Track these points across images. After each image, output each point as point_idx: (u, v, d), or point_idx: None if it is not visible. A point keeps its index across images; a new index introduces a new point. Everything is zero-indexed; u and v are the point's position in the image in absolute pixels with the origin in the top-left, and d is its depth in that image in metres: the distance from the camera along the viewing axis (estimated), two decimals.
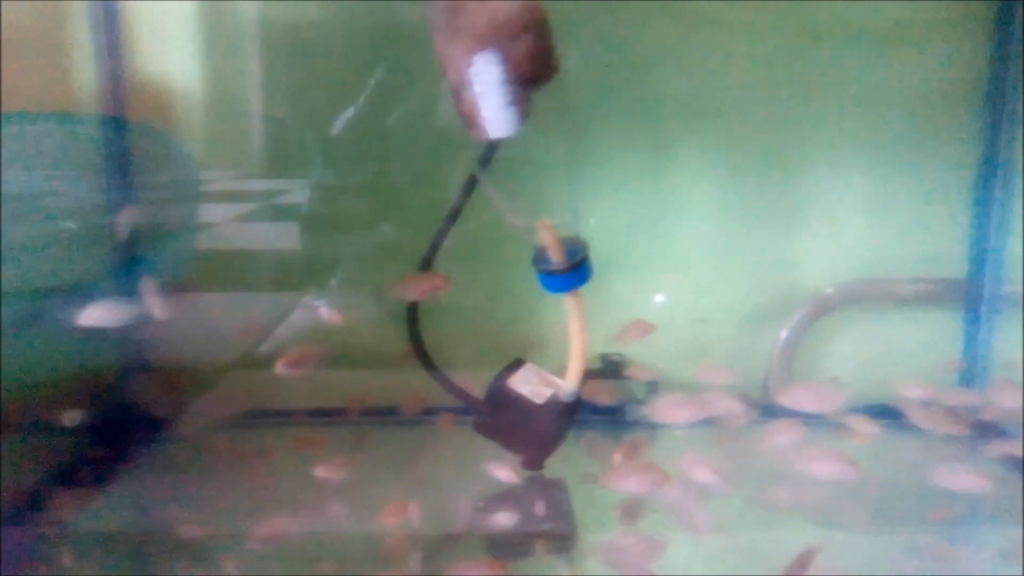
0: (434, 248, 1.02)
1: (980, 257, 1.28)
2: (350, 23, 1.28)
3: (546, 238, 0.94)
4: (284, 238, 1.36)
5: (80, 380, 1.19)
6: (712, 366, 1.17)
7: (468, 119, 0.87)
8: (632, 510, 1.02)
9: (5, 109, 1.26)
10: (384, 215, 1.30)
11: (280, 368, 1.06)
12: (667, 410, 1.07)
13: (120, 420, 1.23)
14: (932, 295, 1.30)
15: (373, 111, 1.21)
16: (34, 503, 1.05)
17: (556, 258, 0.94)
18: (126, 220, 1.19)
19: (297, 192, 1.35)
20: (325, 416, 1.29)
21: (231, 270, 1.34)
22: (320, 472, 1.03)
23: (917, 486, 1.10)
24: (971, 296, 1.29)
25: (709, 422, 1.18)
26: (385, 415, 1.26)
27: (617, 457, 1.11)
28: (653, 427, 1.21)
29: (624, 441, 1.13)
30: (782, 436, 1.07)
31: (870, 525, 1.04)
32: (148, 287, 1.06)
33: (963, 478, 1.02)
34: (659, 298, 1.32)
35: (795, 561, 0.84)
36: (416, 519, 0.97)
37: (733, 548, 0.99)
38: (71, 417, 1.13)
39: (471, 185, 0.97)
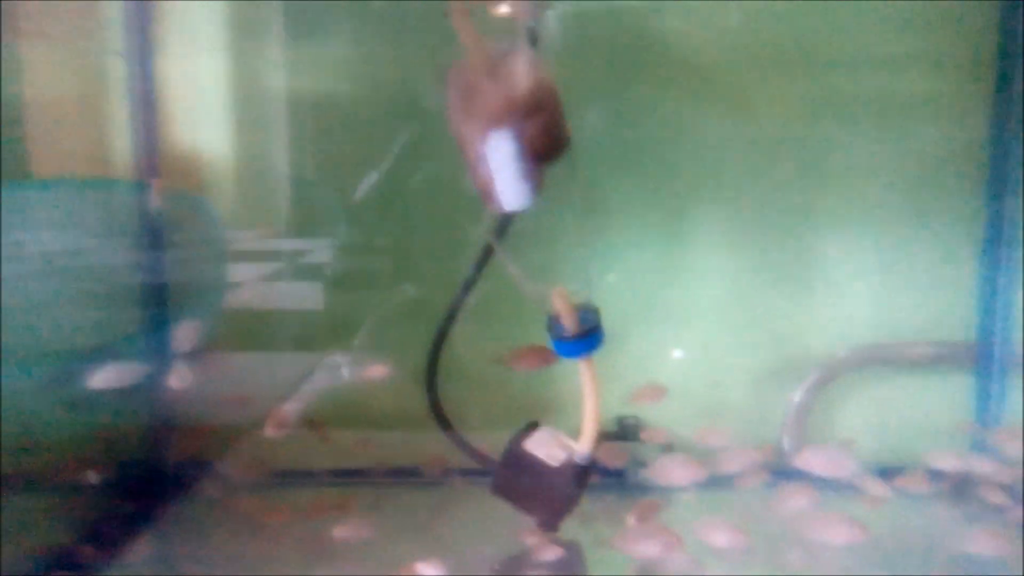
0: (451, 316, 1.05)
1: (989, 319, 1.29)
2: (373, 95, 1.32)
3: (559, 305, 0.96)
4: (308, 298, 1.39)
5: (106, 439, 1.21)
6: (712, 429, 1.18)
7: (484, 192, 0.90)
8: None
9: (44, 174, 1.31)
10: (405, 276, 1.33)
11: (268, 431, 1.08)
12: (670, 472, 1.08)
13: (145, 479, 1.25)
14: (943, 358, 1.30)
15: (394, 178, 1.24)
16: (60, 560, 1.08)
17: (569, 325, 0.96)
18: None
19: (321, 253, 1.38)
20: (347, 476, 1.30)
21: (256, 330, 1.37)
22: (340, 533, 1.04)
23: (931, 549, 1.11)
24: (981, 358, 1.30)
25: (722, 485, 1.20)
26: (406, 476, 1.28)
27: (631, 519, 1.12)
28: (665, 490, 1.22)
29: (638, 503, 1.14)
30: (794, 500, 1.08)
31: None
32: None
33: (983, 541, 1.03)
34: (677, 353, 1.33)
35: None
36: None
37: None
38: (95, 476, 1.15)
39: (487, 254, 1.00)
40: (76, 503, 1.15)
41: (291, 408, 1.12)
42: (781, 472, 1.18)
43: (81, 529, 1.15)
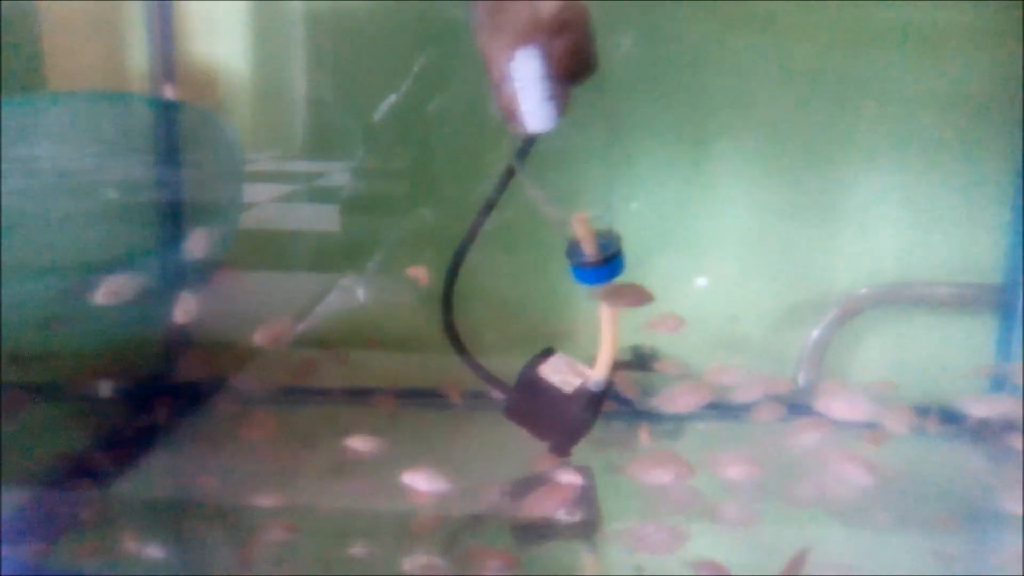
0: (470, 237, 1.04)
1: (1015, 264, 1.27)
2: (396, 12, 1.30)
3: (580, 231, 0.95)
4: (324, 220, 1.39)
5: (123, 352, 1.22)
6: (723, 367, 1.18)
7: (507, 113, 0.89)
8: None
9: (58, 86, 1.30)
10: (422, 200, 1.32)
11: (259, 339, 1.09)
12: (677, 399, 1.09)
13: (160, 392, 1.27)
14: (966, 300, 1.29)
15: (415, 99, 1.23)
16: (76, 467, 1.09)
17: (589, 251, 0.95)
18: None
19: (338, 175, 1.38)
20: (361, 396, 1.31)
21: (271, 250, 1.37)
22: (351, 450, 1.06)
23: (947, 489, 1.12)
24: (1005, 302, 1.28)
25: (737, 418, 1.20)
26: (418, 397, 1.29)
27: (644, 436, 1.14)
28: (677, 419, 1.23)
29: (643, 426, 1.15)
30: (808, 434, 1.09)
31: (894, 525, 1.04)
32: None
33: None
34: (701, 281, 1.33)
35: (790, 562, 0.85)
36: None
37: (755, 542, 1.00)
38: (109, 387, 1.17)
39: (508, 176, 0.99)
40: (92, 414, 1.17)
41: (287, 323, 1.12)
42: (796, 407, 1.18)
43: (97, 439, 1.16)
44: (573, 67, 0.87)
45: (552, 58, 0.85)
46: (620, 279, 0.98)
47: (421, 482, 0.99)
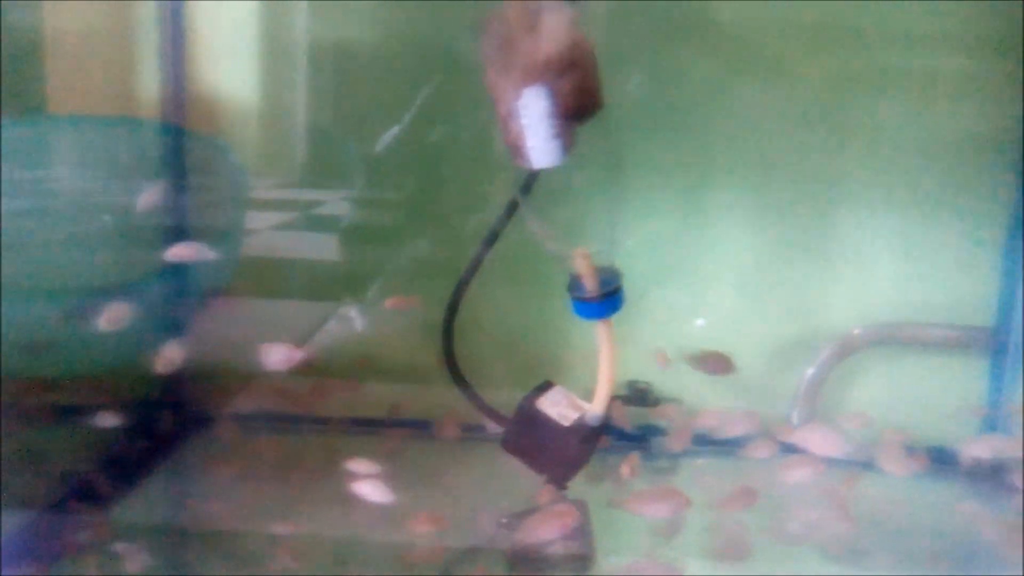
0: (473, 268, 1.05)
1: (1009, 306, 1.28)
2: (400, 44, 1.32)
3: (582, 266, 0.96)
4: (323, 249, 1.40)
5: (123, 375, 1.22)
6: (713, 412, 1.20)
7: (514, 149, 0.90)
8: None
9: (64, 110, 1.31)
10: (422, 231, 1.33)
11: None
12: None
13: (161, 418, 1.27)
14: (959, 342, 1.30)
15: (418, 130, 1.24)
16: (77, 489, 1.09)
17: (590, 286, 0.96)
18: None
19: (338, 204, 1.39)
20: (362, 425, 1.32)
21: (271, 278, 1.37)
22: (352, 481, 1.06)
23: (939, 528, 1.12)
24: (997, 345, 1.29)
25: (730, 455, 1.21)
26: (418, 428, 1.29)
27: (625, 470, 1.15)
28: (675, 456, 1.24)
29: (627, 458, 1.16)
30: (799, 472, 1.09)
31: (888, 563, 1.04)
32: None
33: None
34: (700, 322, 1.34)
35: None
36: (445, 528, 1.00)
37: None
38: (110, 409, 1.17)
39: (511, 209, 1.00)
40: (93, 437, 1.16)
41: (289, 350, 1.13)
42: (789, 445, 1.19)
43: (99, 462, 1.16)
44: (579, 105, 0.88)
45: (559, 96, 0.86)
46: (622, 312, 0.99)
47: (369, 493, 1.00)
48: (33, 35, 1.27)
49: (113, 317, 1.07)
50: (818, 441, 1.09)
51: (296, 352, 1.07)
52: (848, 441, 1.09)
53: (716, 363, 1.17)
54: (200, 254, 1.12)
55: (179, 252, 1.11)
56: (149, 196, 1.17)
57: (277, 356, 1.07)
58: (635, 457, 1.18)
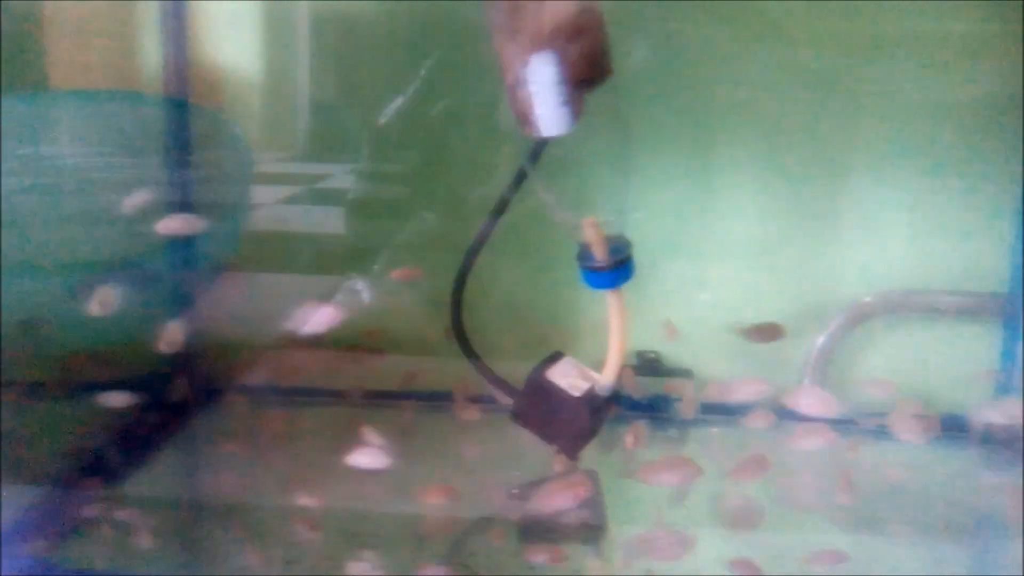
0: (481, 239, 1.04)
1: (1021, 272, 1.27)
2: (403, 15, 1.30)
3: (591, 235, 0.95)
4: (329, 222, 1.39)
5: (131, 351, 1.23)
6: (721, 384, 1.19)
7: (522, 117, 0.89)
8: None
9: (66, 85, 1.30)
10: (427, 203, 1.33)
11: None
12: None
13: (171, 391, 1.27)
14: (971, 309, 1.30)
15: (422, 101, 1.23)
16: (89, 464, 1.09)
17: (600, 255, 0.96)
18: (137, 200, 1.19)
19: (343, 177, 1.38)
20: (373, 398, 1.32)
21: (277, 252, 1.37)
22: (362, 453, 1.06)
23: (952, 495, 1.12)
24: (1010, 311, 1.29)
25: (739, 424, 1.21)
26: (430, 400, 1.30)
27: (629, 439, 1.15)
28: (685, 424, 1.24)
29: (631, 427, 1.16)
30: (809, 440, 1.10)
31: (896, 529, 1.05)
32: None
33: None
34: (705, 295, 1.33)
35: None
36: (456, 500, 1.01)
37: (760, 545, 1.00)
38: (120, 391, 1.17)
39: (520, 179, 0.99)
40: (104, 412, 1.17)
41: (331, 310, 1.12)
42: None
43: (109, 436, 1.17)
44: (588, 72, 0.87)
45: (568, 63, 0.85)
46: (631, 282, 0.98)
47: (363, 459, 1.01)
48: (32, 11, 1.26)
49: (104, 300, 1.06)
50: (809, 403, 1.10)
51: (337, 312, 1.07)
52: (842, 403, 1.11)
53: (768, 332, 1.18)
54: (190, 226, 1.12)
55: (169, 225, 1.11)
56: (136, 200, 1.16)
57: (320, 317, 1.07)
58: (639, 426, 1.18)
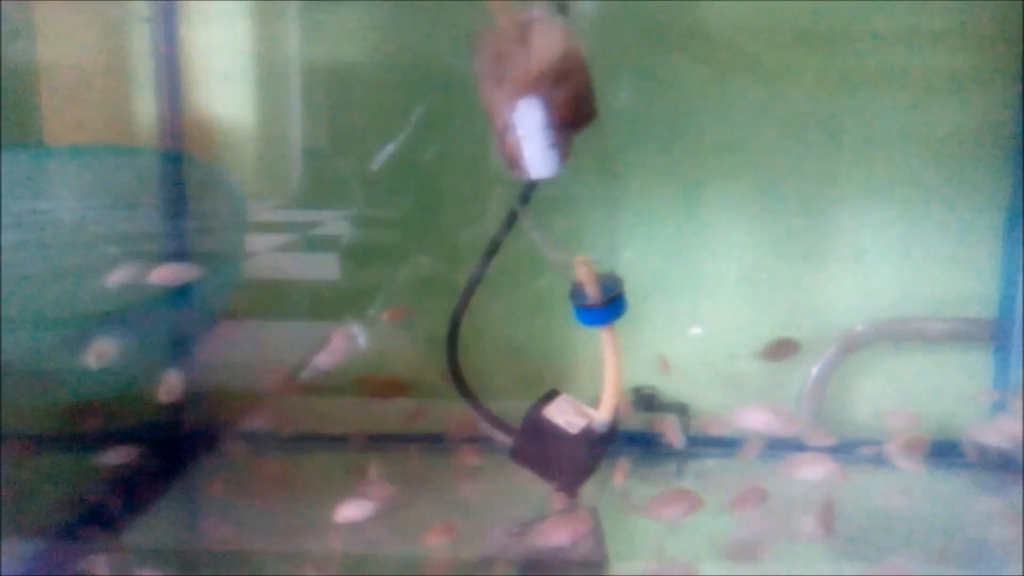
0: (475, 281, 1.05)
1: (1010, 297, 1.29)
2: (393, 63, 1.33)
3: (583, 274, 0.97)
4: (323, 269, 1.40)
5: (129, 401, 1.23)
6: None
7: (511, 160, 0.91)
8: None
9: (61, 141, 1.32)
10: (420, 247, 1.34)
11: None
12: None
13: (167, 440, 1.27)
14: (962, 334, 1.31)
15: (413, 147, 1.25)
16: (91, 513, 1.10)
17: (592, 293, 0.97)
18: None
19: (337, 224, 1.39)
20: (370, 441, 1.32)
21: (272, 299, 1.38)
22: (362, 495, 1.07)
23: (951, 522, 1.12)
24: (1000, 336, 1.30)
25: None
26: (421, 442, 1.30)
27: (619, 477, 1.16)
28: (683, 456, 1.24)
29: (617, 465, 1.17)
30: (809, 469, 1.10)
31: (902, 558, 1.05)
32: None
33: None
34: (695, 330, 1.34)
35: None
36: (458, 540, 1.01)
37: None
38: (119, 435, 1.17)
39: (511, 220, 1.01)
40: (103, 463, 1.17)
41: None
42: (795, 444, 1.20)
43: (108, 487, 1.17)
44: (574, 115, 0.89)
45: (554, 107, 0.87)
46: (624, 319, 0.99)
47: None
48: (28, 68, 1.27)
49: (101, 352, 1.07)
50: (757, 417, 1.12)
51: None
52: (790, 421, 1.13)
53: (785, 349, 1.20)
54: (182, 275, 1.13)
55: (162, 275, 1.12)
56: (120, 276, 1.16)
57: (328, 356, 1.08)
58: (624, 462, 1.18)
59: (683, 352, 1.31)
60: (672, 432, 1.24)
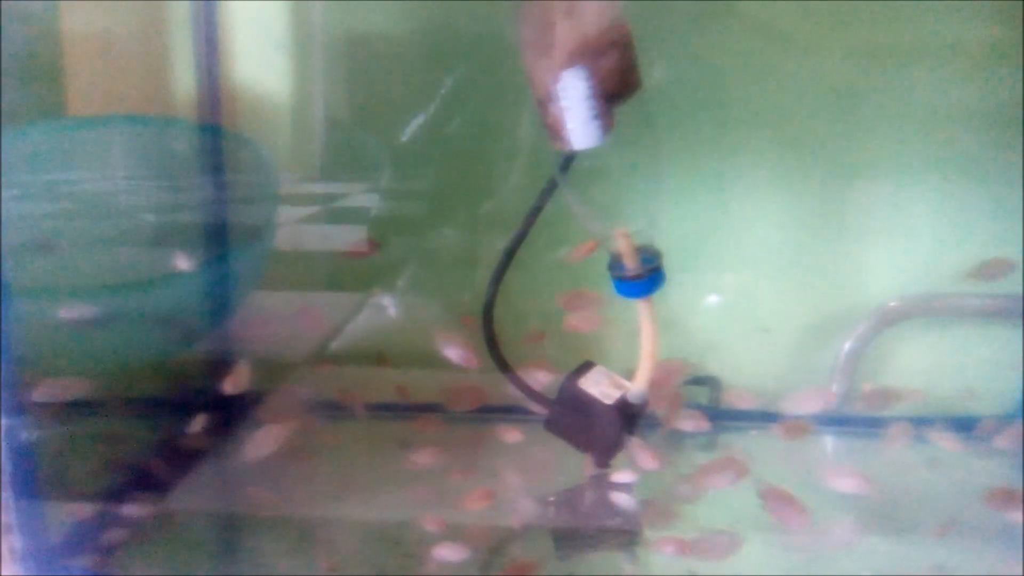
0: (517, 242, 1.05)
1: None
2: (424, 34, 1.33)
3: (622, 245, 0.97)
4: (352, 240, 1.41)
5: (161, 371, 1.25)
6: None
7: (553, 131, 0.91)
8: None
9: (92, 111, 1.33)
10: (449, 220, 1.34)
11: None
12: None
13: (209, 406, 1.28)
14: (997, 310, 1.30)
15: (443, 119, 1.25)
16: (135, 476, 1.12)
17: (631, 265, 0.97)
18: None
19: (366, 196, 1.40)
20: (406, 411, 1.33)
21: (305, 269, 1.39)
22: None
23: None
24: None
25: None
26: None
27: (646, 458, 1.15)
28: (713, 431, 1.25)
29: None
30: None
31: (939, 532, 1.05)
32: None
33: None
34: (713, 298, 1.35)
35: None
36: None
37: (801, 547, 1.01)
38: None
39: (551, 189, 1.01)
40: (147, 427, 1.19)
41: None
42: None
43: (153, 450, 1.18)
44: (619, 86, 0.89)
45: (598, 78, 0.87)
46: (655, 291, 1.00)
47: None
48: (50, 38, 1.28)
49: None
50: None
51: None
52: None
53: (999, 268, 1.19)
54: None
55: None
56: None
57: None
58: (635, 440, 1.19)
59: (713, 325, 1.31)
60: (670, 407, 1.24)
